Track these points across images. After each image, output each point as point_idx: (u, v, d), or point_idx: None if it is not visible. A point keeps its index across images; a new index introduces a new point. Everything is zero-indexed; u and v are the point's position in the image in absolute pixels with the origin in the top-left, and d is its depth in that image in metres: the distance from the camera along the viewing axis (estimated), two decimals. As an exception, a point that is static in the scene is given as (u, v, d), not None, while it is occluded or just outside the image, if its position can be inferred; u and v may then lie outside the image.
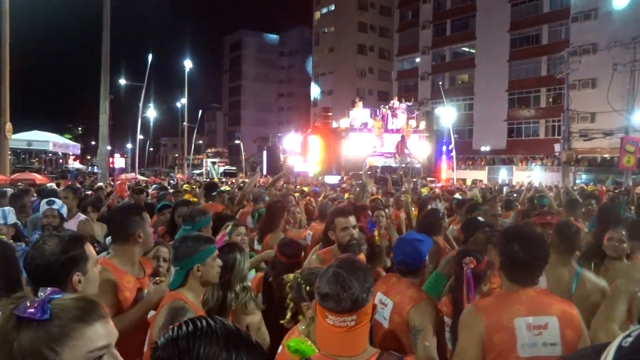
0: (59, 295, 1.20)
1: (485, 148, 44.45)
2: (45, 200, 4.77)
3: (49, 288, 1.21)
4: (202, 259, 2.47)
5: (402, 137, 23.11)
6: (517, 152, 42.57)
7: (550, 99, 42.38)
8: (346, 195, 9.45)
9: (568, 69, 29.42)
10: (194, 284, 2.47)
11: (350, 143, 23.21)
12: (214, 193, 8.04)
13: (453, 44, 51.37)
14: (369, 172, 19.27)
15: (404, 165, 21.71)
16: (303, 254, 3.81)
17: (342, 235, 3.39)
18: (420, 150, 24.34)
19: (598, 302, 2.95)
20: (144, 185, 7.65)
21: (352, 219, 3.46)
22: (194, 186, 14.15)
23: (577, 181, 29.58)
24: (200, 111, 54.19)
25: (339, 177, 20.94)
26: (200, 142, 72.69)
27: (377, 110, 25.33)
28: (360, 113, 24.76)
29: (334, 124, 30.78)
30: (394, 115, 24.54)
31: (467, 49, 50.48)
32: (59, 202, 4.68)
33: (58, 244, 2.00)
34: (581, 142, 33.18)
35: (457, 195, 9.85)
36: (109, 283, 2.54)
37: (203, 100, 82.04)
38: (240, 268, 3.02)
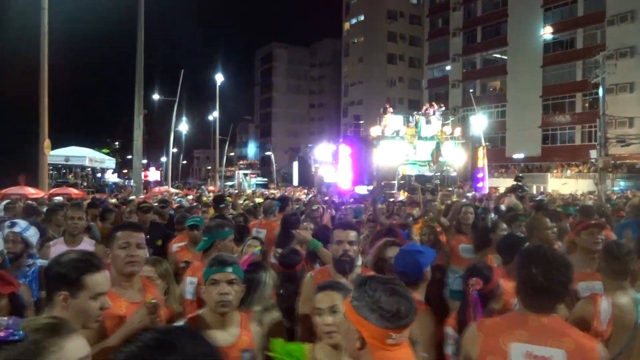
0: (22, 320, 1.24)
1: (518, 155, 43.67)
2: (7, 222, 3.87)
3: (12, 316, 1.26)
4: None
5: (438, 145, 22.64)
6: (553, 159, 41.63)
7: (587, 104, 41.38)
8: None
9: (603, 73, 28.76)
10: None
11: (382, 151, 22.77)
12: (222, 205, 8.31)
13: (484, 51, 50.88)
14: (402, 182, 19.08)
15: (439, 173, 21.29)
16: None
17: (335, 249, 3.18)
18: (456, 157, 23.77)
19: None
20: (159, 202, 7.70)
21: (351, 234, 3.19)
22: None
23: (615, 188, 28.65)
24: (232, 124, 55.08)
25: (370, 187, 20.84)
26: (232, 154, 73.72)
27: (410, 117, 24.83)
28: (392, 120, 24.25)
29: (365, 133, 30.87)
30: (428, 122, 24.08)
31: (498, 56, 49.88)
32: (22, 223, 3.81)
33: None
34: (619, 148, 32.22)
35: (502, 206, 9.45)
36: None
37: (235, 112, 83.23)
38: (263, 289, 3.00)
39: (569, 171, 37.53)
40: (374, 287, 1.66)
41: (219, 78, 44.38)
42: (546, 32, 43.91)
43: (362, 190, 20.01)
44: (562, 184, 31.36)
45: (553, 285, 2.06)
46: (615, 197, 16.75)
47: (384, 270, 3.31)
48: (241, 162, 67.38)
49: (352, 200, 13.95)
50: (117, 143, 78.95)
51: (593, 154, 30.30)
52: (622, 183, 32.19)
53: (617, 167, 32.94)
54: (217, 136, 47.76)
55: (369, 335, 1.61)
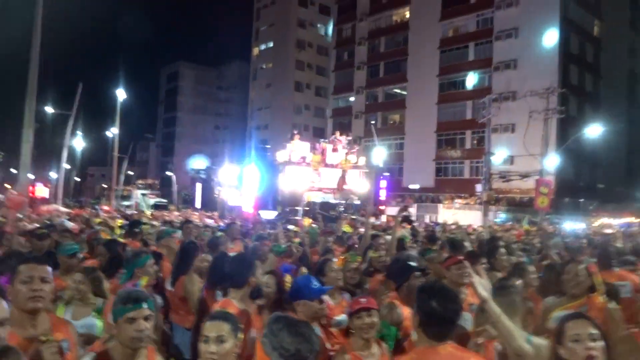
0: None
1: (414, 186, 46.06)
2: None
3: None
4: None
5: (343, 173, 23.08)
6: (444, 191, 44.47)
7: (475, 141, 44.77)
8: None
9: (489, 114, 31.48)
10: None
11: (288, 177, 22.85)
12: (137, 230, 7.98)
13: (386, 85, 53.57)
14: (307, 208, 19.26)
15: (344, 201, 21.66)
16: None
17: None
18: (359, 186, 24.43)
19: None
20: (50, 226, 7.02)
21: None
22: (109, 222, 13.11)
23: (497, 220, 31.31)
24: (133, 142, 52.93)
25: (275, 212, 20.90)
26: (131, 173, 70.48)
27: (317, 144, 25.14)
28: (298, 146, 24.45)
29: (271, 158, 30.99)
30: (335, 150, 24.51)
31: (398, 91, 52.76)
32: None
33: None
34: (500, 183, 35.35)
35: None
36: None
37: (136, 130, 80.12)
38: None
39: (457, 203, 40.24)
40: (280, 326, 1.77)
41: (121, 94, 42.58)
42: (441, 73, 47.43)
43: (268, 215, 20.11)
44: (452, 215, 33.58)
45: (451, 314, 2.33)
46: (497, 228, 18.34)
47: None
48: (140, 182, 64.44)
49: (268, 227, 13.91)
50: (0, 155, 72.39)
51: (478, 187, 32.81)
52: (503, 215, 35.23)
53: (499, 200, 36.01)
54: (116, 153, 45.60)
55: None
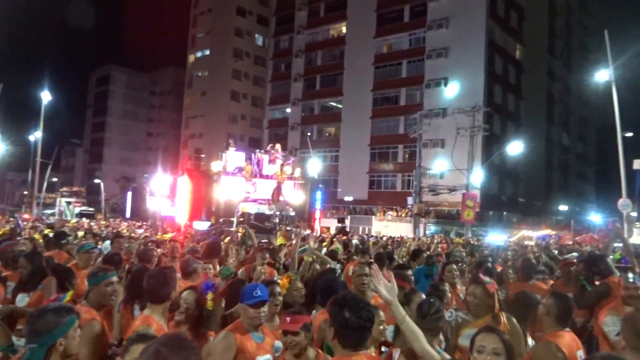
0: None
1: (348, 198, 46.89)
2: None
3: None
4: (64, 332, 2.35)
5: (278, 184, 23.01)
6: (377, 203, 45.56)
7: (407, 155, 46.16)
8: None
9: (420, 129, 32.77)
10: None
11: (222, 187, 22.44)
12: (64, 241, 7.72)
13: (322, 98, 54.39)
14: (242, 219, 19.13)
15: (278, 212, 21.59)
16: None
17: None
18: (294, 197, 24.50)
19: None
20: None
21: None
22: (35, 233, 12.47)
23: (427, 232, 32.53)
24: (58, 147, 50.47)
25: (208, 223, 20.63)
26: (55, 179, 67.04)
27: (253, 154, 24.96)
28: (233, 156, 24.07)
29: (206, 167, 30.42)
30: (271, 161, 24.43)
31: (334, 104, 53.69)
32: None
33: None
34: (430, 196, 36.77)
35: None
36: None
37: (61, 134, 76.31)
38: None
39: (389, 215, 41.35)
40: (154, 343, 1.75)
41: (46, 96, 40.62)
42: (375, 88, 48.80)
43: (201, 225, 19.86)
44: (385, 227, 34.55)
45: (365, 322, 2.40)
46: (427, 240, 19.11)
47: None
48: (64, 189, 61.40)
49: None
50: None
51: (410, 200, 33.96)
52: (432, 227, 36.61)
53: (428, 212, 37.39)
54: (38, 159, 43.31)
55: None
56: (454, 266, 5.86)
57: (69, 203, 52.49)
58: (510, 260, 9.02)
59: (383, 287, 2.68)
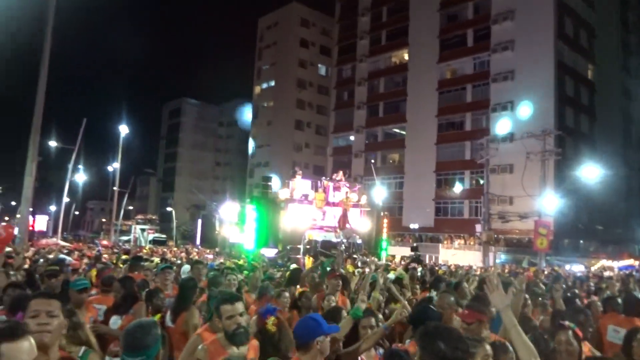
0: None
1: (414, 225, 46.11)
2: None
3: None
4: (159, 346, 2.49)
5: (344, 211, 23.03)
6: (444, 230, 44.52)
7: (474, 182, 45.13)
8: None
9: (487, 155, 31.95)
10: None
11: (290, 215, 22.79)
12: (142, 264, 8.39)
13: (385, 125, 54.40)
14: (308, 247, 19.30)
15: (345, 240, 21.45)
16: None
17: (228, 324, 3.26)
18: (361, 225, 24.41)
19: None
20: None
21: (239, 306, 3.31)
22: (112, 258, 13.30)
23: (497, 261, 31.36)
24: (133, 177, 53.32)
25: (275, 250, 20.97)
26: (131, 207, 70.64)
27: (319, 182, 25.23)
28: (300, 184, 24.45)
29: (272, 195, 31.10)
30: (337, 189, 24.56)
31: (398, 130, 53.52)
32: None
33: None
34: (500, 224, 35.50)
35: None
36: None
37: (137, 165, 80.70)
38: None
39: (457, 242, 40.29)
40: None
41: (124, 129, 43.19)
42: (440, 113, 48.27)
43: (269, 252, 20.20)
44: (452, 255, 33.68)
45: (462, 354, 2.24)
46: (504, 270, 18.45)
47: None
48: (139, 217, 64.54)
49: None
50: (0, 188, 72.57)
51: (478, 227, 32.96)
52: (502, 256, 35.26)
53: (498, 240, 36.12)
54: (117, 188, 45.89)
55: None
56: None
57: (143, 230, 55.02)
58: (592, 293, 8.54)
59: (497, 295, 2.86)
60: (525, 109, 39.00)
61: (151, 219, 64.56)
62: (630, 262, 29.08)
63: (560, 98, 41.27)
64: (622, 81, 51.54)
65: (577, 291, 7.94)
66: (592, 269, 24.61)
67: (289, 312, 5.48)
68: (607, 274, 18.16)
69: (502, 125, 40.37)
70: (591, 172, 31.96)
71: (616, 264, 27.29)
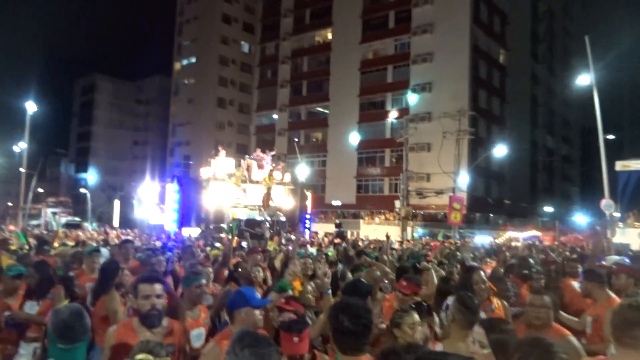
0: None
1: (336, 202, 47.08)
2: None
3: None
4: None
5: (268, 190, 22.98)
6: (365, 207, 45.79)
7: (394, 159, 46.62)
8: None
9: (407, 134, 33.11)
10: None
11: (212, 194, 22.42)
12: (46, 247, 8.14)
13: (308, 104, 54.61)
14: (230, 225, 19.06)
15: (269, 218, 21.37)
16: None
17: (142, 304, 3.14)
18: (284, 203, 24.48)
19: None
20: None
21: (157, 287, 3.21)
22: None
23: (415, 234, 32.81)
24: (43, 157, 50.02)
25: (198, 230, 20.65)
26: (40, 190, 66.42)
27: (242, 160, 24.92)
28: (223, 163, 24.14)
29: (194, 174, 30.34)
30: (260, 167, 24.39)
31: (321, 109, 53.93)
32: None
33: None
34: (417, 199, 37.08)
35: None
36: None
37: (46, 144, 75.59)
38: None
39: (377, 218, 41.61)
40: (242, 345, 1.78)
41: (31, 106, 40.23)
42: (362, 93, 49.15)
43: (192, 232, 19.87)
44: (373, 230, 34.76)
45: (362, 328, 2.46)
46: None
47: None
48: (50, 200, 60.79)
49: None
50: None
51: (397, 203, 34.21)
52: (420, 230, 36.92)
53: (416, 215, 37.70)
54: (24, 169, 42.88)
55: None
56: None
57: (54, 213, 52.04)
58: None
59: None
60: (442, 90, 40.65)
61: (63, 201, 61.02)
62: (533, 233, 31.49)
63: (474, 80, 43.32)
64: (531, 67, 54.99)
65: (489, 260, 8.61)
66: (500, 240, 26.40)
67: (227, 285, 5.52)
68: (513, 244, 19.58)
69: (420, 105, 41.91)
70: (501, 151, 34.07)
71: (521, 235, 29.46)
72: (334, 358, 2.83)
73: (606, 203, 17.68)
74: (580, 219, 45.97)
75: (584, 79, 19.72)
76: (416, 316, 3.16)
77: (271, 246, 11.90)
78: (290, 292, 4.13)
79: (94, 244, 13.52)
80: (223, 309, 4.92)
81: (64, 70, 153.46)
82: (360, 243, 17.02)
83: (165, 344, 2.30)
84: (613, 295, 4.12)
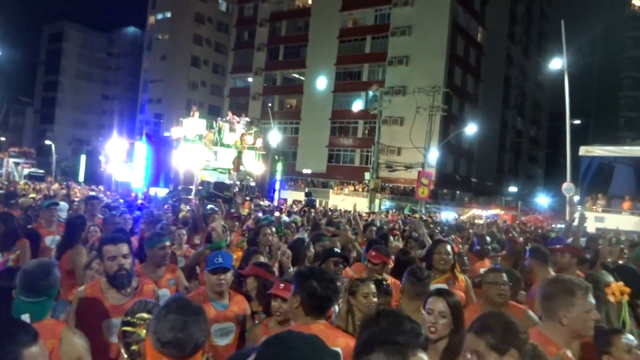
0: None
1: (307, 170, 47.14)
2: None
3: None
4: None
5: (239, 153, 22.81)
6: (335, 177, 46.05)
7: (366, 131, 46.72)
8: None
9: (381, 106, 33.22)
10: None
11: (182, 154, 22.15)
12: (13, 201, 7.88)
13: (284, 69, 53.88)
14: (200, 188, 19.01)
15: (239, 182, 21.20)
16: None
17: (109, 265, 3.10)
18: (255, 168, 24.39)
19: None
20: None
21: (123, 247, 3.16)
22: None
23: (382, 207, 33.31)
24: (6, 105, 48.25)
25: (167, 190, 20.44)
26: (3, 139, 64.25)
27: (214, 122, 24.61)
28: (195, 123, 23.69)
29: (165, 133, 29.75)
30: (232, 130, 24.13)
31: (297, 76, 53.31)
32: None
33: None
34: (387, 172, 37.51)
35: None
36: None
37: (10, 91, 72.71)
38: None
39: (346, 189, 41.95)
40: (170, 310, 1.72)
41: (-5, 51, 38.66)
42: (339, 62, 48.75)
43: (159, 192, 19.69)
44: (341, 200, 35.11)
45: (331, 294, 2.58)
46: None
47: None
48: (12, 149, 58.93)
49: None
50: None
51: (367, 175, 34.55)
52: (387, 203, 37.47)
53: (384, 188, 38.21)
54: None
55: (150, 355, 1.70)
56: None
57: (17, 164, 50.51)
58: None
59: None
60: (418, 65, 40.69)
61: (27, 151, 59.27)
62: (496, 211, 32.39)
63: (451, 57, 43.42)
64: (507, 47, 55.36)
65: (453, 236, 8.92)
66: (464, 217, 27.07)
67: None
68: (477, 221, 20.15)
69: (396, 79, 41.94)
70: (472, 129, 34.60)
71: (485, 213, 30.28)
72: (267, 326, 3.01)
73: (567, 186, 18.31)
74: (542, 200, 47.46)
75: (557, 63, 20.08)
76: (373, 287, 3.19)
77: (245, 211, 11.96)
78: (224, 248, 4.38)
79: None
80: (194, 268, 5.04)
81: (32, 14, 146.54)
82: (330, 213, 17.23)
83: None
84: (552, 273, 4.33)
